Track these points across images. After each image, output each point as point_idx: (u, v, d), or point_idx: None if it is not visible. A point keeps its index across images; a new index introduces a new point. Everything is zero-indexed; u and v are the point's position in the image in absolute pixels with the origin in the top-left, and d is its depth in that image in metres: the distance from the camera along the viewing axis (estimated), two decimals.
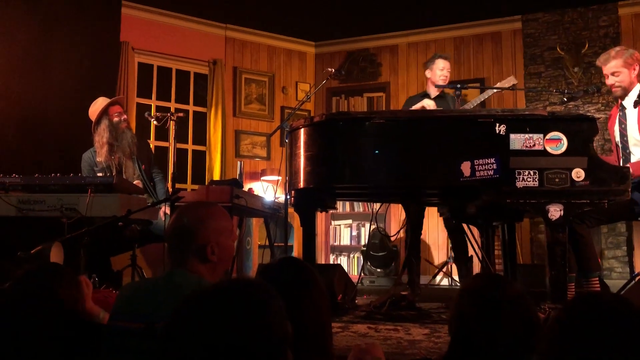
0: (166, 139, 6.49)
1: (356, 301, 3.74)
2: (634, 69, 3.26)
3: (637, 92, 3.26)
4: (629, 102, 3.30)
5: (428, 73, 4.40)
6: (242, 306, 0.86)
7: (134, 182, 3.92)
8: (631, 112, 3.28)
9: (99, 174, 3.94)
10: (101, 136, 4.06)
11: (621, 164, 3.23)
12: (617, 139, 3.35)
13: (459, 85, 3.72)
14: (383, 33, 7.26)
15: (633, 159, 3.24)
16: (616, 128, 3.37)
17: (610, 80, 3.32)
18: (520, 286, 1.35)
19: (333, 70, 4.61)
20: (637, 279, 3.41)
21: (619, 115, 3.36)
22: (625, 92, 3.29)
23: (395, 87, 7.25)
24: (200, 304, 0.88)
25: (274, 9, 6.67)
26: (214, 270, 1.66)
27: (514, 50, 6.77)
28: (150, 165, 4.33)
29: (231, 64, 7.11)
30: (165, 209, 3.83)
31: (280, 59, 7.44)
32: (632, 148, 3.26)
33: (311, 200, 3.11)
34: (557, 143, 2.71)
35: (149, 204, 3.34)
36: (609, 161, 2.88)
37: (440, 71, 4.31)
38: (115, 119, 4.11)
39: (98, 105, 4.17)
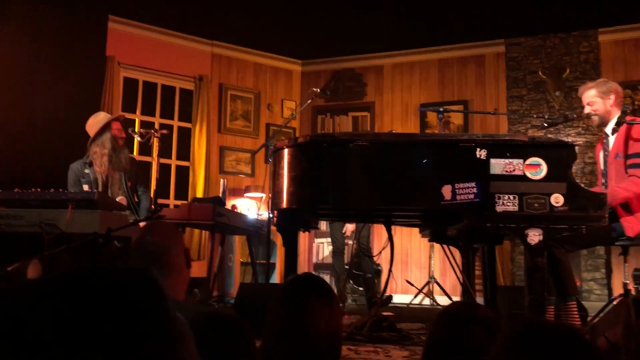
0: (149, 154, 6.47)
1: None
2: (609, 98, 3.35)
3: (616, 120, 3.34)
4: (609, 129, 3.38)
5: None
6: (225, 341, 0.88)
7: (118, 198, 3.91)
8: (612, 140, 3.36)
9: (85, 186, 3.93)
10: (102, 147, 4.08)
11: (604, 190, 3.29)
12: (602, 166, 3.43)
13: (441, 109, 3.77)
14: (369, 53, 7.34)
15: (608, 185, 3.31)
16: (601, 155, 3.45)
17: (586, 110, 3.43)
18: (489, 312, 1.40)
19: (318, 90, 4.66)
20: (614, 302, 3.45)
21: (603, 142, 3.44)
22: (602, 120, 3.38)
23: (380, 107, 7.32)
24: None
25: (261, 27, 6.73)
26: (184, 282, 1.73)
27: (497, 73, 6.88)
28: (137, 183, 4.33)
29: (217, 80, 7.13)
30: None
31: (266, 76, 7.48)
32: (609, 174, 3.33)
33: (294, 220, 3.11)
34: (536, 168, 2.74)
35: (131, 222, 3.32)
36: (595, 189, 2.94)
37: None
38: (116, 134, 4.15)
39: (100, 118, 4.21)
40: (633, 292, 4.60)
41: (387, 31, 6.71)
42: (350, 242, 5.82)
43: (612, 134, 3.33)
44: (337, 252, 5.32)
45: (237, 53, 7.28)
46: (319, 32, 6.80)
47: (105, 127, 4.14)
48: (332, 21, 6.52)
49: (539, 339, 0.86)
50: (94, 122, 4.19)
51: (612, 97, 3.35)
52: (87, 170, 4.08)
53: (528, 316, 2.96)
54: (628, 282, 3.35)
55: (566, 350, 0.84)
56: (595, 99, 3.38)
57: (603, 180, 3.40)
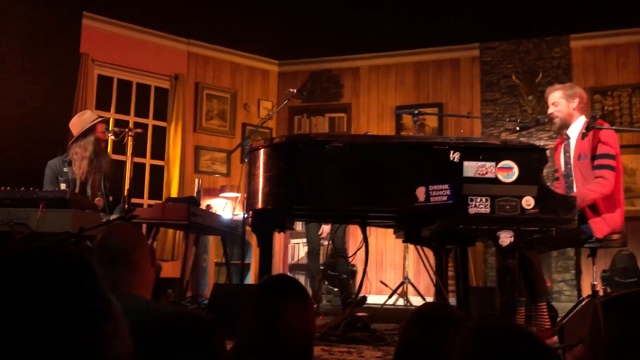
0: (123, 153, 6.39)
1: None
2: (573, 102, 3.45)
3: (582, 124, 3.43)
4: (572, 132, 3.47)
5: None
6: (191, 339, 0.88)
7: (96, 199, 3.86)
8: (574, 142, 3.45)
9: (63, 185, 3.87)
10: (84, 149, 4.00)
11: (565, 192, 3.37)
12: (562, 167, 3.52)
13: (416, 111, 3.81)
14: (346, 55, 7.37)
15: (575, 187, 3.40)
16: (561, 156, 3.54)
17: (550, 110, 3.54)
18: (461, 312, 1.43)
19: (295, 90, 4.65)
20: (583, 302, 3.53)
21: (564, 144, 3.54)
22: (563, 122, 3.48)
23: (357, 108, 7.36)
24: (154, 332, 0.90)
25: (238, 26, 6.71)
26: (150, 281, 1.73)
27: (472, 77, 6.97)
28: (117, 185, 4.27)
29: (193, 79, 7.08)
30: None
31: (243, 76, 7.46)
32: (575, 176, 3.42)
33: (269, 221, 3.11)
34: (508, 171, 2.79)
35: (104, 221, 3.28)
36: (556, 190, 3.00)
37: None
38: (99, 137, 4.07)
39: (86, 117, 4.10)
40: (601, 292, 4.71)
41: (364, 33, 6.74)
42: (326, 243, 5.83)
43: (582, 138, 3.41)
44: (313, 252, 5.34)
45: (213, 52, 7.24)
46: (296, 33, 6.81)
47: (90, 129, 4.05)
48: (310, 22, 6.53)
49: (492, 340, 0.88)
50: (79, 121, 4.09)
51: (576, 101, 3.45)
52: (65, 169, 4.00)
53: (483, 317, 3.02)
54: (596, 283, 3.42)
55: (520, 351, 0.86)
56: (560, 100, 3.48)
57: (566, 183, 3.49)
